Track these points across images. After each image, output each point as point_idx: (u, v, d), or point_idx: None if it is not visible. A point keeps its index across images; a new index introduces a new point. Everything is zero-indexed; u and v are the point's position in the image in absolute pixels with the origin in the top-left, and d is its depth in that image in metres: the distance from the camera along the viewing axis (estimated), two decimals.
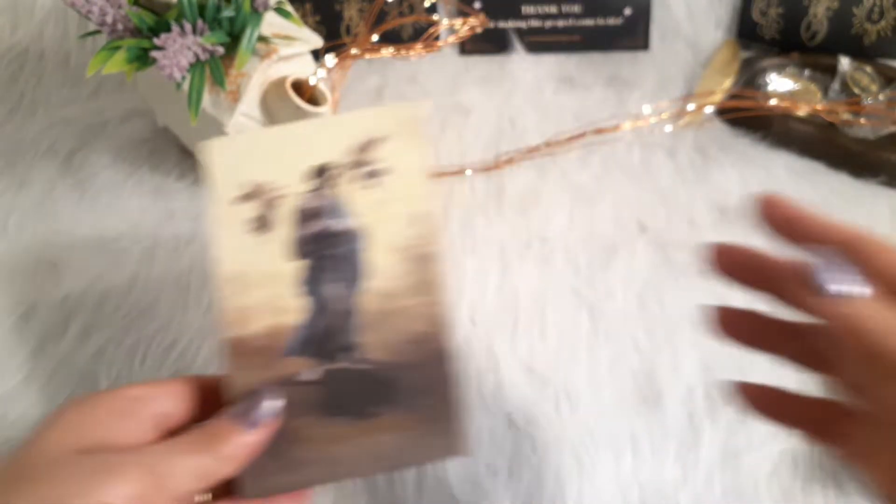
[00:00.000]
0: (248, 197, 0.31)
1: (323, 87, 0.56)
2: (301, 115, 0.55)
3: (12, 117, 0.74)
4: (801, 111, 0.64)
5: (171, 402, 0.31)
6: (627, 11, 0.74)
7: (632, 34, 0.75)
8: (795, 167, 0.65)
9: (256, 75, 0.55)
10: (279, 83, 0.55)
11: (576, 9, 0.75)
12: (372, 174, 0.31)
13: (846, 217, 0.63)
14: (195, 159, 0.67)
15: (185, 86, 0.52)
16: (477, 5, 0.75)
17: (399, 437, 0.30)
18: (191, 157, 0.68)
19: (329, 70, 0.56)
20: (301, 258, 0.31)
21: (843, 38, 0.71)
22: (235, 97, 0.54)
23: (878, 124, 0.64)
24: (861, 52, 0.70)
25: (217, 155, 0.31)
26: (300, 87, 0.55)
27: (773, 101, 0.65)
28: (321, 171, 0.31)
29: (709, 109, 0.69)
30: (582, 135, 0.67)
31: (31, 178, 0.68)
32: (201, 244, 0.61)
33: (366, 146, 0.31)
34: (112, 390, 0.30)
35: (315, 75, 0.55)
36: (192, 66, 0.51)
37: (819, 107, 0.64)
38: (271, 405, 0.30)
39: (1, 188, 0.67)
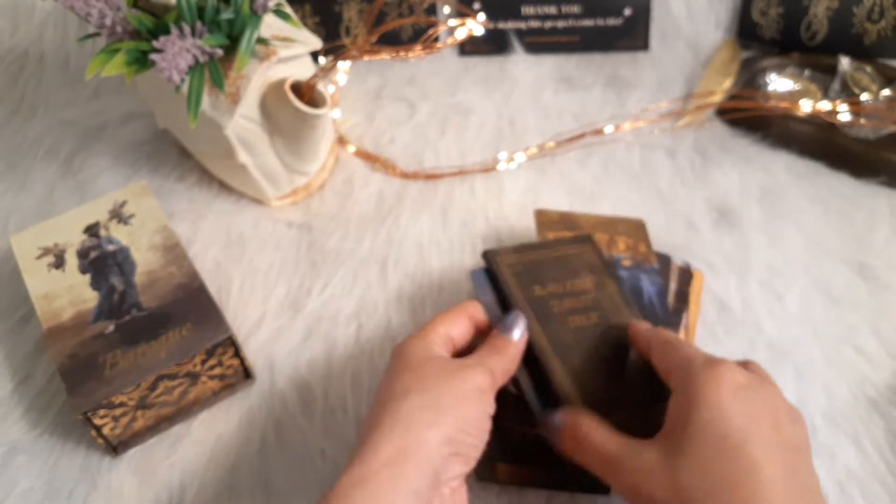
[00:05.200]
0: (45, 252, 0.54)
1: (322, 89, 0.56)
2: (300, 116, 0.55)
3: (12, 119, 0.74)
4: (801, 111, 0.64)
5: (455, 330, 0.45)
6: (627, 12, 0.74)
7: (631, 34, 0.75)
8: (795, 167, 0.65)
9: (256, 77, 0.55)
10: (278, 85, 0.55)
11: (575, 9, 0.75)
12: (123, 220, 0.56)
13: (846, 217, 0.63)
14: (195, 161, 0.67)
15: (185, 88, 0.52)
16: (476, 6, 0.75)
17: (183, 338, 0.49)
18: (191, 159, 0.68)
19: (328, 71, 0.56)
20: (88, 272, 0.53)
21: (844, 38, 0.71)
22: (235, 99, 0.54)
23: (879, 124, 0.64)
24: (861, 52, 0.70)
25: (20, 237, 0.56)
26: (299, 89, 0.55)
27: (772, 102, 0.65)
28: (92, 227, 0.56)
29: (709, 110, 0.69)
30: (581, 135, 0.67)
31: (31, 180, 0.68)
32: (202, 244, 0.61)
33: (117, 207, 0.57)
34: (422, 335, 0.43)
35: (317, 77, 0.55)
36: (191, 68, 0.51)
37: (819, 107, 0.64)
38: (524, 320, 0.45)
39: (1, 190, 0.67)
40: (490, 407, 0.41)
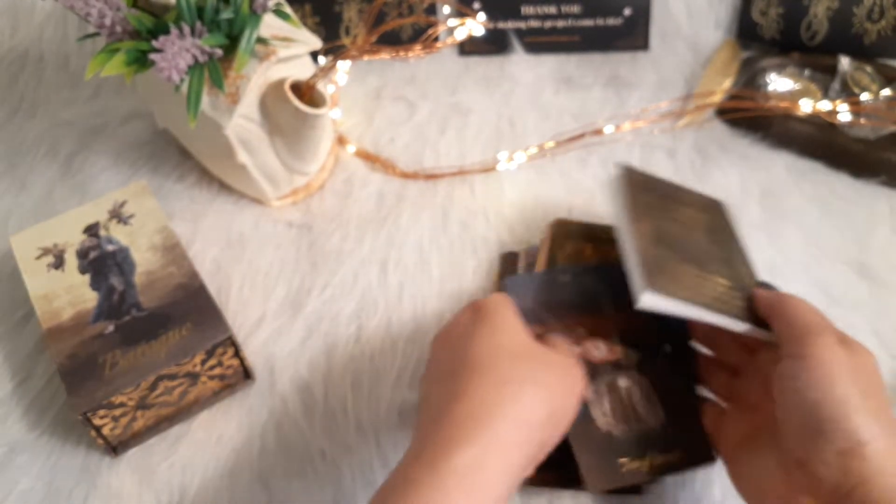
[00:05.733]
0: (45, 252, 0.54)
1: (322, 89, 0.55)
2: (300, 116, 0.55)
3: (12, 119, 0.74)
4: (801, 111, 0.64)
5: None
6: (627, 12, 0.74)
7: (631, 34, 0.75)
8: (795, 167, 0.65)
9: (255, 77, 0.55)
10: (278, 85, 0.55)
11: (575, 9, 0.75)
12: (123, 220, 0.56)
13: (846, 217, 0.63)
14: (195, 161, 0.67)
15: (184, 88, 0.52)
16: (476, 6, 0.75)
17: (183, 339, 0.49)
18: (190, 159, 0.68)
19: (328, 71, 0.56)
20: (87, 272, 0.53)
21: (844, 38, 0.71)
22: (234, 99, 0.54)
23: (879, 124, 0.64)
24: (861, 52, 0.70)
25: (20, 238, 0.55)
26: (299, 89, 0.55)
27: (772, 102, 0.65)
28: (91, 227, 0.56)
29: (709, 110, 0.69)
30: (581, 135, 0.67)
31: (31, 180, 0.68)
32: (202, 244, 0.61)
33: (116, 207, 0.57)
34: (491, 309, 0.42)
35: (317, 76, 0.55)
36: (190, 68, 0.51)
37: (819, 107, 0.64)
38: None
39: (1, 190, 0.67)
40: (577, 403, 0.42)
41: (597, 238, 0.54)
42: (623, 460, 0.44)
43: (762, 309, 0.44)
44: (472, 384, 0.38)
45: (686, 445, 0.45)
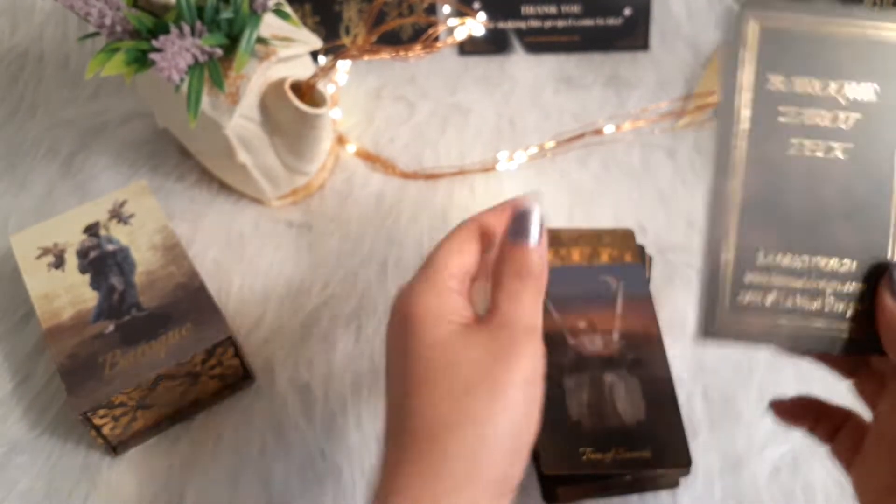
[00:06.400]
0: (45, 252, 0.54)
1: (322, 89, 0.55)
2: (300, 116, 0.55)
3: (12, 119, 0.74)
4: None
5: (470, 258, 0.35)
6: (627, 12, 0.74)
7: (631, 34, 0.75)
8: None
9: (255, 77, 0.55)
10: (278, 85, 0.55)
11: (575, 9, 0.74)
12: (123, 219, 0.56)
13: None
14: (195, 161, 0.67)
15: (184, 88, 0.52)
16: (476, 6, 0.75)
17: (183, 339, 0.49)
18: (190, 159, 0.68)
19: (328, 71, 0.56)
20: (87, 272, 0.53)
21: None
22: (234, 99, 0.54)
23: None
24: None
25: (20, 237, 0.56)
26: (299, 89, 0.55)
27: None
28: (91, 227, 0.56)
29: (709, 110, 0.68)
30: (581, 135, 0.67)
31: (31, 180, 0.68)
32: (202, 244, 0.61)
33: (116, 207, 0.57)
34: (432, 281, 0.34)
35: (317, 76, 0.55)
36: (190, 68, 0.51)
37: None
38: (536, 211, 0.34)
39: (1, 189, 0.67)
40: (538, 399, 0.33)
41: (559, 243, 0.54)
42: (585, 449, 0.44)
43: (880, 327, 0.33)
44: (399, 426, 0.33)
45: (659, 446, 0.45)
